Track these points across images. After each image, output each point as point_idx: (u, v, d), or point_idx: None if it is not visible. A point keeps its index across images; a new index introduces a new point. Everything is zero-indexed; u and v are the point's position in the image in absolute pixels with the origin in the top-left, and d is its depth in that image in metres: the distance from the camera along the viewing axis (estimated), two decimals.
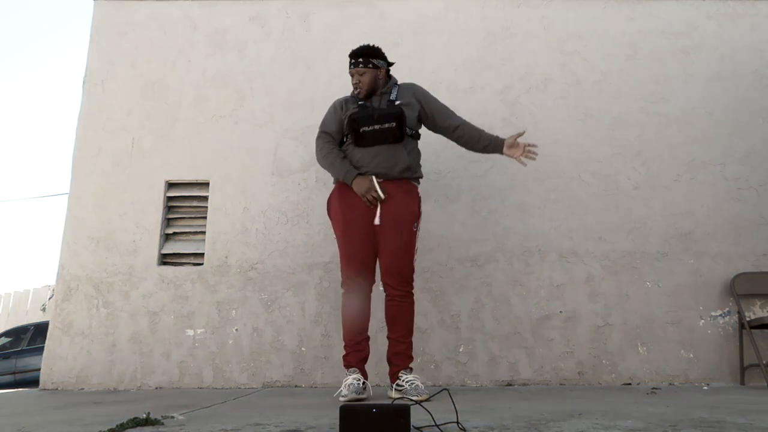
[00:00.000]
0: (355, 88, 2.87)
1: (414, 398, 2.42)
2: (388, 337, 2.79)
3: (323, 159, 2.88)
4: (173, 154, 3.88)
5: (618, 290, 3.61)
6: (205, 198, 3.83)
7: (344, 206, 2.79)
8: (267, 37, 4.05)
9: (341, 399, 2.53)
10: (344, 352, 2.76)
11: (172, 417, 1.98)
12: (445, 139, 3.83)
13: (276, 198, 3.76)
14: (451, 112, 3.04)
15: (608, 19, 4.05)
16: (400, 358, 2.72)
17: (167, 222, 3.83)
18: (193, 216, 3.84)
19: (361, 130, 2.74)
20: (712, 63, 3.98)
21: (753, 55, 4.00)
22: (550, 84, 3.94)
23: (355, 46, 3.95)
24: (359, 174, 2.76)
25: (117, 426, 1.74)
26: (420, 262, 3.62)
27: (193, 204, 3.86)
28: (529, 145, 2.94)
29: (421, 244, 3.63)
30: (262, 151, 3.85)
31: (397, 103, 2.84)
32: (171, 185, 3.87)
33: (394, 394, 2.62)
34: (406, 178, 2.84)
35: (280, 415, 2.02)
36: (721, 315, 3.58)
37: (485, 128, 3.83)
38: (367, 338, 2.79)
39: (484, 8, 4.07)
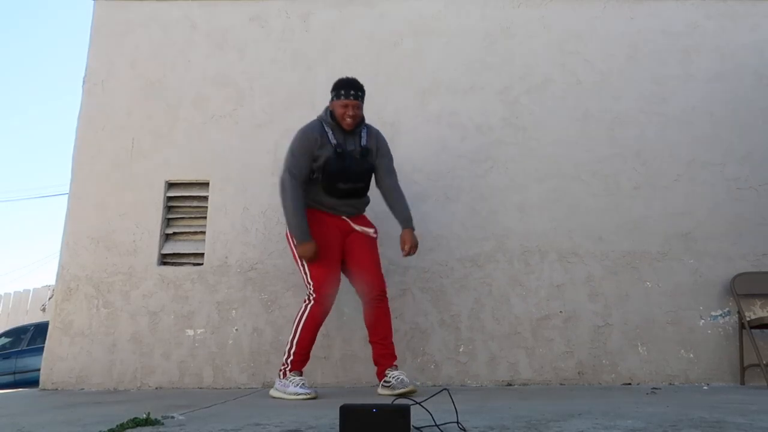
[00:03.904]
0: (351, 119, 2.93)
1: (400, 391, 2.71)
2: (371, 341, 2.97)
3: (289, 204, 2.89)
4: (173, 154, 3.88)
5: (618, 290, 3.61)
6: (205, 198, 3.83)
7: (317, 233, 2.92)
8: (267, 37, 4.05)
9: (301, 398, 2.73)
10: (292, 357, 2.89)
11: (172, 417, 1.98)
12: (444, 139, 3.86)
13: (276, 198, 3.72)
14: (393, 170, 3.14)
15: (608, 19, 4.05)
16: (386, 358, 2.93)
17: (167, 222, 3.83)
18: (193, 216, 3.84)
19: (337, 185, 2.94)
20: (713, 63, 3.98)
21: (753, 55, 4.00)
22: (550, 84, 3.94)
23: (355, 48, 4.00)
24: (309, 238, 2.88)
25: (117, 426, 1.74)
26: (420, 262, 3.64)
27: (193, 204, 3.86)
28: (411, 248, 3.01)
29: (421, 244, 3.66)
30: (262, 151, 3.85)
31: (365, 142, 3.02)
32: (171, 185, 3.87)
33: (382, 391, 2.86)
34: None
35: (280, 415, 2.02)
36: (721, 315, 3.58)
37: (485, 128, 3.88)
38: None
39: (483, 8, 4.07)
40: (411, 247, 2.98)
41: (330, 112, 3.00)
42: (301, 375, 2.86)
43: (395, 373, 2.86)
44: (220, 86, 3.97)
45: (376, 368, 2.97)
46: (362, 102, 2.99)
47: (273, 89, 3.96)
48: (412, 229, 3.02)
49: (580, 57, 3.99)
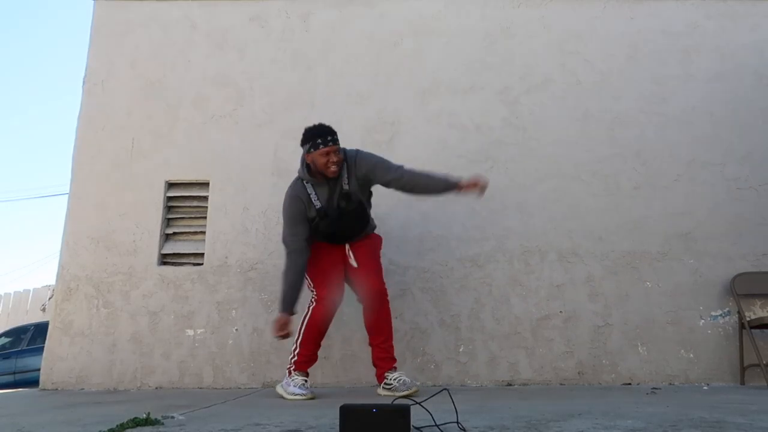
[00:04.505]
0: (334, 166, 2.79)
1: (404, 393, 2.68)
2: (371, 344, 2.97)
3: (284, 277, 2.87)
4: (173, 154, 3.88)
5: (618, 290, 3.61)
6: (205, 198, 3.83)
7: (324, 252, 2.94)
8: (267, 37, 4.05)
9: (298, 398, 2.75)
10: (296, 358, 2.89)
11: (172, 417, 1.98)
12: (444, 139, 3.86)
13: (276, 198, 3.73)
14: (390, 165, 2.94)
15: (608, 19, 4.05)
16: (385, 361, 2.93)
17: (167, 222, 3.83)
18: (193, 216, 3.84)
19: (332, 236, 2.93)
20: (712, 63, 3.98)
21: (753, 55, 4.00)
22: (550, 84, 3.94)
23: (355, 48, 4.00)
24: (285, 312, 2.84)
25: (117, 426, 1.74)
26: (420, 262, 3.64)
27: (193, 204, 3.86)
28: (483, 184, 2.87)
29: (421, 244, 3.67)
30: (262, 151, 3.85)
31: (347, 186, 2.87)
32: (171, 185, 3.87)
33: (382, 392, 2.86)
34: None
35: (280, 415, 2.03)
36: (721, 315, 3.58)
37: (485, 128, 3.88)
38: (320, 346, 3.00)
39: (483, 8, 4.07)
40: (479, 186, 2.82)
41: (307, 167, 2.87)
42: (305, 375, 2.88)
43: (396, 374, 2.87)
44: (220, 86, 3.97)
45: (375, 370, 2.97)
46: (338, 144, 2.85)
47: (273, 89, 3.96)
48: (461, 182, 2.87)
49: (580, 57, 3.99)
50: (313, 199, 2.87)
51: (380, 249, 3.11)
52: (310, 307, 2.91)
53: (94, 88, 4.01)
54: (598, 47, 4.00)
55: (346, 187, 2.88)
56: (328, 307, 2.89)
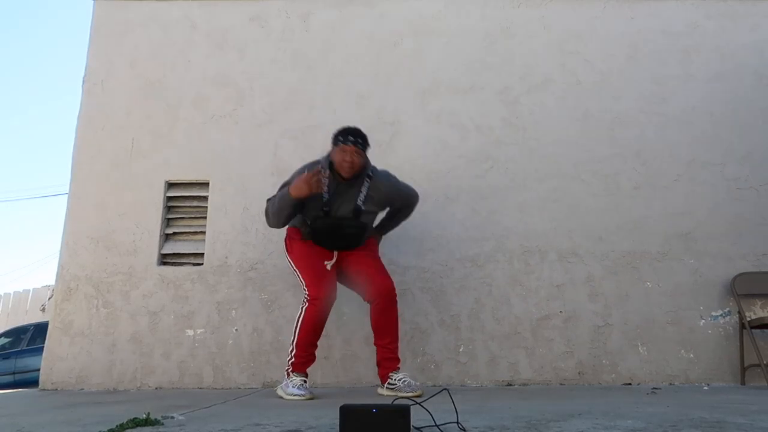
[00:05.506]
0: (348, 164, 2.82)
1: (408, 394, 2.66)
2: (376, 344, 2.95)
3: (276, 205, 2.90)
4: (173, 154, 3.87)
5: (618, 290, 3.61)
6: (205, 198, 3.83)
7: (306, 243, 2.96)
8: (267, 37, 4.05)
9: (296, 398, 2.73)
10: (293, 359, 2.88)
11: (172, 417, 1.98)
12: (444, 138, 3.86)
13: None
14: (405, 206, 3.20)
15: (608, 19, 4.05)
16: (391, 361, 2.92)
17: (167, 222, 3.83)
18: (193, 216, 3.84)
19: (322, 240, 2.93)
20: (712, 63, 3.98)
21: (753, 55, 4.00)
22: (550, 84, 3.94)
23: (355, 48, 4.00)
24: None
25: (117, 426, 1.74)
26: (420, 262, 3.64)
27: (193, 204, 3.86)
28: None
29: (421, 244, 3.67)
30: (262, 151, 3.85)
31: (360, 202, 2.90)
32: (171, 185, 3.87)
33: (385, 392, 2.84)
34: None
35: (280, 415, 2.02)
36: (721, 315, 3.58)
37: (485, 128, 3.89)
38: (317, 347, 2.97)
39: (483, 8, 4.07)
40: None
41: (330, 162, 2.88)
42: (304, 375, 2.86)
43: (400, 375, 2.86)
44: (220, 86, 3.97)
45: (377, 369, 2.96)
46: (363, 150, 2.86)
47: (273, 89, 3.95)
48: (378, 237, 3.19)
49: (580, 57, 3.98)
50: (324, 187, 2.83)
51: (377, 243, 3.15)
52: (303, 308, 2.88)
53: (94, 88, 4.00)
54: (598, 47, 4.00)
55: (359, 202, 2.90)
56: (321, 307, 2.85)
